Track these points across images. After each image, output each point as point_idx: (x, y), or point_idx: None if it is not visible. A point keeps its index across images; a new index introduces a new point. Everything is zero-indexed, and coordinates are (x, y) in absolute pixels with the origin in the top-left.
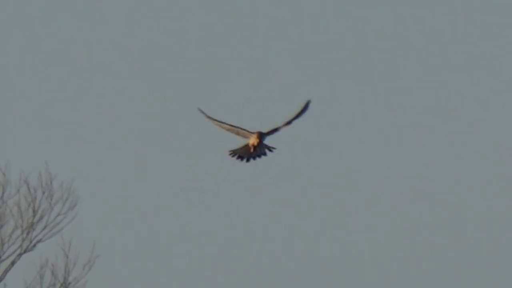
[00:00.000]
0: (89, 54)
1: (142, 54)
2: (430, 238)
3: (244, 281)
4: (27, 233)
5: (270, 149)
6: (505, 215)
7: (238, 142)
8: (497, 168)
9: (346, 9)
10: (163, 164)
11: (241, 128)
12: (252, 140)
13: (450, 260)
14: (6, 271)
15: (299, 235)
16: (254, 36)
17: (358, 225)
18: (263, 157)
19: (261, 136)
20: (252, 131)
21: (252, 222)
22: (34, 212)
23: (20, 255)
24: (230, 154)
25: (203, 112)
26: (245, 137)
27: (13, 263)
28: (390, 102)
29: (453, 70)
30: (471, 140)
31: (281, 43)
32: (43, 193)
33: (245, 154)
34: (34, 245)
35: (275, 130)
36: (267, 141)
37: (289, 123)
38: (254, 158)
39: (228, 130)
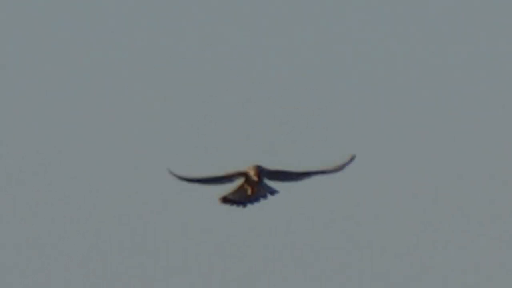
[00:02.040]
0: (89, 55)
1: (142, 54)
2: (433, 235)
3: (247, 278)
4: None
5: (272, 192)
6: (508, 211)
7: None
8: (501, 164)
9: (346, 9)
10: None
11: (233, 174)
12: (250, 173)
13: (454, 256)
14: None
15: (302, 231)
16: (254, 36)
17: (361, 221)
18: (262, 200)
19: (260, 171)
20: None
21: (254, 218)
22: None
23: None
24: (222, 201)
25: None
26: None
27: None
28: (391, 99)
29: (454, 67)
30: (474, 135)
31: (281, 43)
32: None
33: (240, 198)
34: None
35: (283, 173)
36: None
37: (309, 174)
38: (252, 202)
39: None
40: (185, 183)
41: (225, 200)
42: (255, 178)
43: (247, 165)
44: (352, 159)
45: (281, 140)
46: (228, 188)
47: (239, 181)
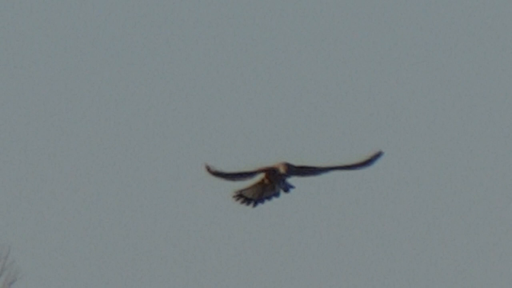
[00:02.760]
0: (88, 57)
1: (141, 53)
2: (433, 238)
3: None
4: None
5: (287, 188)
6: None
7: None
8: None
9: (346, 9)
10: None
11: (263, 169)
12: (280, 169)
13: (452, 259)
14: None
15: (301, 236)
16: (254, 35)
17: (360, 225)
18: (274, 198)
19: (289, 168)
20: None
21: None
22: None
23: None
24: (235, 197)
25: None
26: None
27: None
28: (391, 100)
29: (455, 67)
30: (474, 134)
31: (281, 42)
32: None
33: (255, 195)
34: None
35: (310, 169)
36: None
37: (335, 169)
38: (263, 201)
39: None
40: (217, 178)
41: (240, 196)
42: (283, 172)
43: (272, 162)
44: (378, 154)
45: (297, 136)
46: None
47: (258, 178)
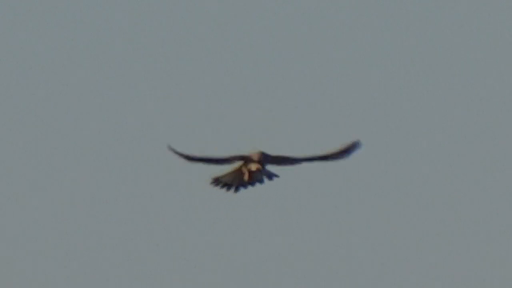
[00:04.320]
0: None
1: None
2: (432, 242)
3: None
4: None
5: (271, 176)
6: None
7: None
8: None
9: (347, 8)
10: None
11: (235, 157)
12: (249, 166)
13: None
14: None
15: (298, 239)
16: (254, 34)
17: (359, 227)
18: (257, 184)
19: (264, 158)
20: (248, 153)
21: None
22: None
23: None
24: (213, 182)
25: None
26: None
27: None
28: (391, 102)
29: (455, 70)
30: (474, 133)
31: (282, 41)
32: None
33: (234, 181)
34: None
35: (286, 159)
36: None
37: (312, 160)
38: (246, 186)
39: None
40: (183, 161)
41: (218, 181)
42: (256, 161)
43: (249, 149)
44: (356, 144)
45: (281, 126)
46: (222, 168)
47: (237, 163)
